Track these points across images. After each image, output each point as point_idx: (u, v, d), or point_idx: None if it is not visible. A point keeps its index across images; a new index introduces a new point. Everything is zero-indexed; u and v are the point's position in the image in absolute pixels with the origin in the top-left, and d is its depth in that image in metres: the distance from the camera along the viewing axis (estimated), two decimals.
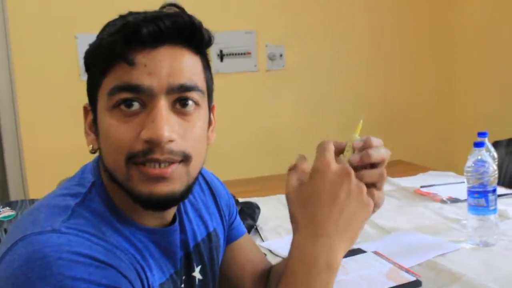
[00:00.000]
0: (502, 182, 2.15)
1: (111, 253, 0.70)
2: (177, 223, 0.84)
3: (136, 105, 0.71)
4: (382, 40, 3.25)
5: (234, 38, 2.98)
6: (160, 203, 0.74)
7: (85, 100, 0.80)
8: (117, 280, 0.67)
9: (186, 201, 0.91)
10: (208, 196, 0.98)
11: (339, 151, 0.78)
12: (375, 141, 0.77)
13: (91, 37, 0.77)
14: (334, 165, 0.74)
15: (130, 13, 0.75)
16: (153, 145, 0.70)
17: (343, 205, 0.72)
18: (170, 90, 0.72)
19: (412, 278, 1.23)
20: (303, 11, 3.08)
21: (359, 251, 1.40)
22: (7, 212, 1.41)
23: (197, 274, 0.90)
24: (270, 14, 3.04)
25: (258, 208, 1.75)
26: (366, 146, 0.76)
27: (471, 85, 3.29)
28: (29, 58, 2.67)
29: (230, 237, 1.03)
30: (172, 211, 0.83)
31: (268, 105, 3.09)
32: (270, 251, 1.49)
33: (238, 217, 1.07)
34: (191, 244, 0.89)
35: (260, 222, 1.72)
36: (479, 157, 1.40)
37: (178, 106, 0.73)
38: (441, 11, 3.33)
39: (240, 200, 1.78)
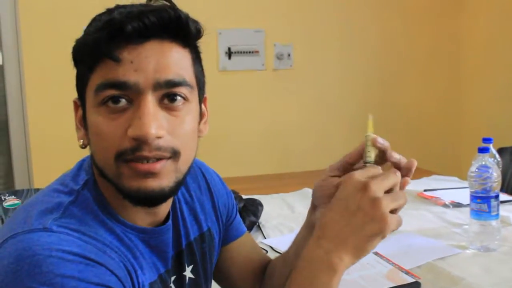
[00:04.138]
0: (506, 189, 2.15)
1: (102, 251, 0.69)
2: (170, 222, 0.83)
3: (123, 102, 0.70)
4: (390, 42, 3.25)
5: (243, 36, 2.98)
6: (149, 199, 0.73)
7: None
8: (107, 278, 0.67)
9: (182, 199, 0.90)
10: (205, 195, 0.96)
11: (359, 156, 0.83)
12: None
13: None
14: (355, 178, 0.74)
15: (117, 7, 0.74)
16: (140, 142, 0.69)
17: (351, 215, 0.72)
18: (157, 86, 0.71)
19: (411, 280, 1.24)
20: (312, 11, 3.09)
21: None
22: (12, 200, 1.43)
23: (188, 273, 0.89)
24: (279, 14, 3.04)
25: (261, 205, 1.76)
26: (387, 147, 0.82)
27: (477, 92, 3.28)
28: (38, 47, 2.68)
29: (230, 237, 1.02)
30: (165, 209, 0.82)
31: (274, 104, 3.09)
32: (272, 248, 1.50)
33: (238, 216, 1.05)
34: (184, 242, 0.88)
35: (263, 219, 1.73)
36: (483, 163, 1.40)
37: (166, 101, 0.72)
38: (449, 18, 3.33)
39: (244, 197, 1.79)
